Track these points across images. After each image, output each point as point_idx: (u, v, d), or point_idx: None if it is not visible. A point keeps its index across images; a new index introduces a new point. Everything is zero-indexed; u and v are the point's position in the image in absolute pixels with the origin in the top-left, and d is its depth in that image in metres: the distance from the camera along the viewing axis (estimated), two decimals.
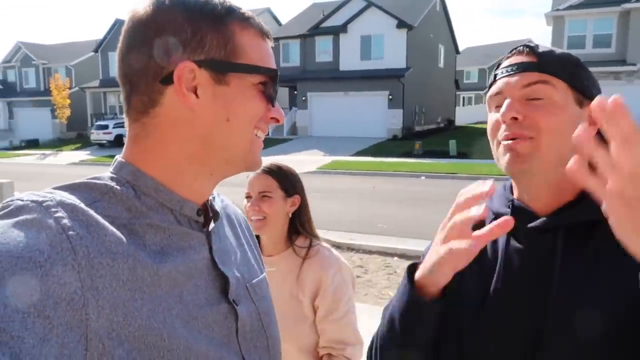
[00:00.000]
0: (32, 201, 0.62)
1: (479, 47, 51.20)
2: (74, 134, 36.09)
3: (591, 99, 0.89)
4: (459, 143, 20.33)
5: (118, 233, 0.66)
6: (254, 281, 0.88)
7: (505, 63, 0.94)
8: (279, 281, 1.61)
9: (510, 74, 0.91)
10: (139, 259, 0.66)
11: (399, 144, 22.48)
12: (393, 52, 26.35)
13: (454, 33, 34.20)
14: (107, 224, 0.65)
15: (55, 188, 0.68)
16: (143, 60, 0.71)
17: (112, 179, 0.73)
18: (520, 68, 0.91)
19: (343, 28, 27.05)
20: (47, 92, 34.90)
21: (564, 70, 0.90)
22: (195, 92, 0.72)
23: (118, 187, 0.72)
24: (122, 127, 31.07)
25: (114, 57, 0.75)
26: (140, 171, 0.74)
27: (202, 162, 0.76)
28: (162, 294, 0.68)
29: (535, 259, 0.90)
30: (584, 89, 0.91)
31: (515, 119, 0.88)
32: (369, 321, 4.68)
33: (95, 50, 35.84)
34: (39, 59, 38.84)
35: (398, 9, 26.56)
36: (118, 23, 34.18)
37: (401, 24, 25.86)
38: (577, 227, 0.88)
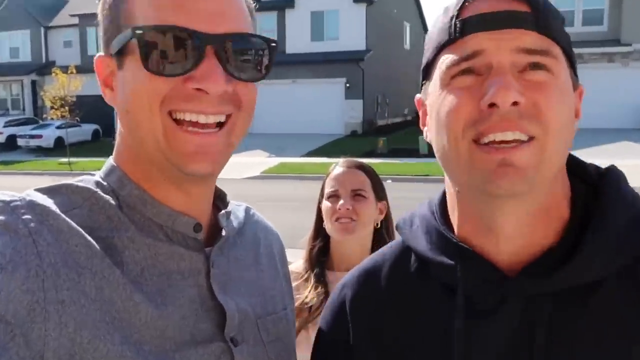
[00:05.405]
0: (0, 201, 0.61)
1: None
2: None
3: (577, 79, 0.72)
4: None
5: (92, 245, 0.63)
6: (268, 317, 0.79)
7: (480, 6, 0.66)
8: None
9: (494, 29, 0.64)
10: (108, 279, 0.62)
11: (359, 142, 21.32)
12: (350, 31, 24.59)
13: (422, 8, 33.07)
14: (81, 232, 0.63)
15: (36, 190, 0.66)
16: None
17: (97, 183, 0.70)
18: (511, 20, 0.64)
19: (289, 2, 24.91)
20: None
21: (563, 32, 0.69)
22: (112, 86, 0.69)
23: (102, 194, 0.68)
24: (16, 125, 24.66)
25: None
26: (126, 178, 0.71)
27: (149, 166, 0.69)
28: (136, 323, 0.62)
29: (509, 332, 0.69)
30: (575, 63, 0.72)
31: (516, 103, 0.63)
32: None
33: None
34: None
35: None
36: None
37: None
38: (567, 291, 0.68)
